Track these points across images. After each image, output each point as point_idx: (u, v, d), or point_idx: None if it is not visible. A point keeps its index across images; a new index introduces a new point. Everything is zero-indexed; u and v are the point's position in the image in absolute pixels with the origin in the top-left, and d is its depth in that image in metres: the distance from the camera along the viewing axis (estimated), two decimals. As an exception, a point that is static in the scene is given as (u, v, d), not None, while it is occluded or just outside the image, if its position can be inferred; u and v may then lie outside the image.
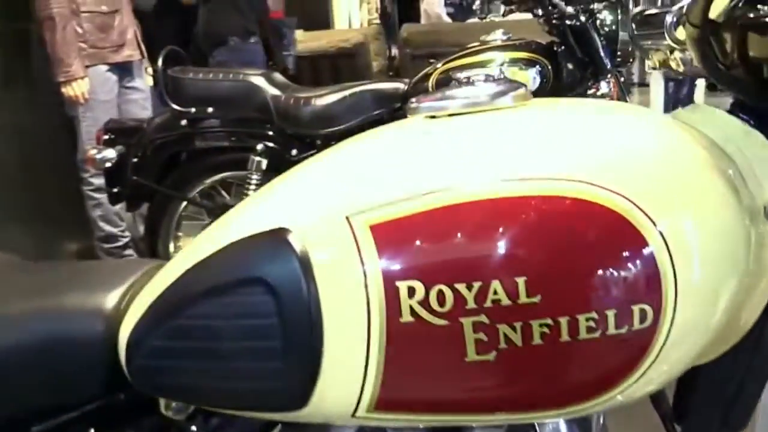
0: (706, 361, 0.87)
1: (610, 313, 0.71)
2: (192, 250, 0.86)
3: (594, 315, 0.70)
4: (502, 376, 0.73)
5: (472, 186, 0.73)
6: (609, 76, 2.63)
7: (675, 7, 0.82)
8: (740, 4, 0.71)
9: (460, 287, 0.70)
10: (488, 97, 0.83)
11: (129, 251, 3.61)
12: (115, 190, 2.97)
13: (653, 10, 0.91)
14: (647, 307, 0.71)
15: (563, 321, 0.70)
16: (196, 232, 3.06)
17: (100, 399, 0.94)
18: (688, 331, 0.74)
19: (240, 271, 0.77)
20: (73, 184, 3.52)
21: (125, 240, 3.60)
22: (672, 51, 0.88)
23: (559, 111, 0.90)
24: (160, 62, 2.93)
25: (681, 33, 0.81)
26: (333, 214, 0.74)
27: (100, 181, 3.23)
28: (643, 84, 5.98)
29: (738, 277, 0.76)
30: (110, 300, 0.91)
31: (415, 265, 0.71)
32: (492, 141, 0.80)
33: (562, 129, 0.81)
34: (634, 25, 0.95)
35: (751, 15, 0.71)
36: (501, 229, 0.71)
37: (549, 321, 0.70)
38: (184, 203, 3.04)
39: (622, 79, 2.70)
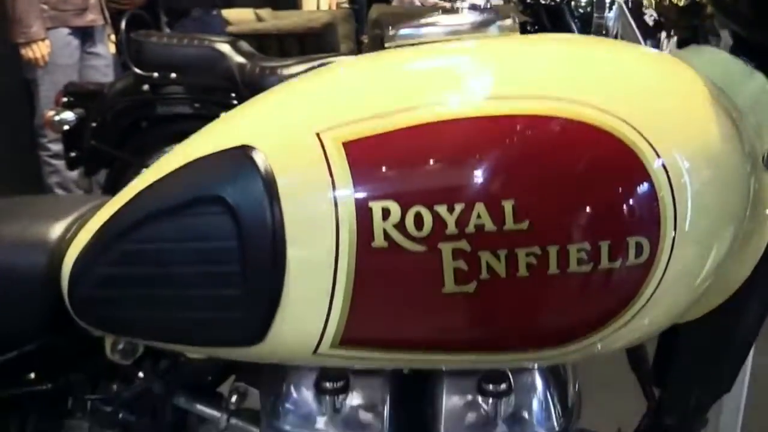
0: (690, 320, 0.83)
1: (604, 245, 0.66)
2: (147, 173, 0.80)
3: (586, 246, 0.66)
4: (480, 311, 0.68)
5: (458, 103, 0.68)
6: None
7: None
8: None
9: (440, 210, 0.65)
10: (473, 25, 0.78)
11: (85, 221, 3.52)
12: (73, 154, 2.87)
13: None
14: (644, 241, 0.67)
15: (552, 251, 0.65)
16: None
17: (41, 338, 0.88)
18: (680, 278, 0.70)
19: (196, 189, 0.71)
20: (29, 150, 3.42)
21: (81, 209, 3.50)
22: None
23: (557, 38, 0.85)
24: (123, 25, 2.84)
25: None
26: (302, 130, 0.69)
27: (58, 147, 3.14)
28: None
29: (734, 228, 0.72)
30: (54, 231, 0.84)
31: (391, 184, 0.66)
32: (478, 61, 0.75)
33: (561, 53, 0.76)
34: None
35: None
36: (488, 148, 0.66)
37: (537, 250, 0.65)
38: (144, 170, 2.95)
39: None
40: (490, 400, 0.78)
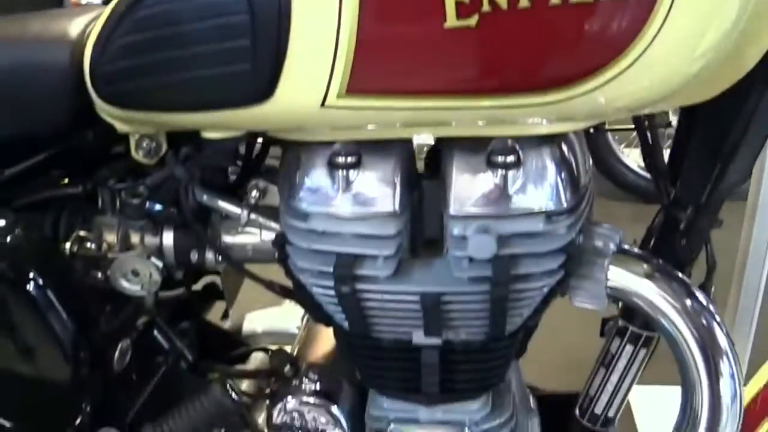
0: (703, 102, 0.83)
1: None
2: None
3: None
4: (483, 47, 0.70)
5: None
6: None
7: None
8: None
9: None
10: None
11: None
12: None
13: None
14: None
15: None
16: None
17: (68, 137, 0.92)
18: (680, 38, 0.69)
19: None
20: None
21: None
22: None
23: None
24: None
25: None
26: None
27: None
28: None
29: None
30: (75, 27, 0.87)
31: None
32: None
33: None
34: None
35: None
36: None
37: None
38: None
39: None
40: (500, 173, 0.79)
